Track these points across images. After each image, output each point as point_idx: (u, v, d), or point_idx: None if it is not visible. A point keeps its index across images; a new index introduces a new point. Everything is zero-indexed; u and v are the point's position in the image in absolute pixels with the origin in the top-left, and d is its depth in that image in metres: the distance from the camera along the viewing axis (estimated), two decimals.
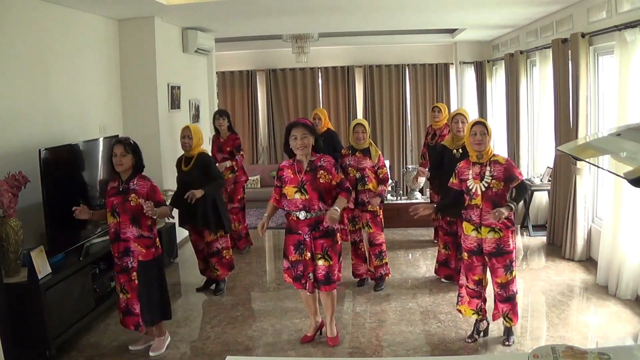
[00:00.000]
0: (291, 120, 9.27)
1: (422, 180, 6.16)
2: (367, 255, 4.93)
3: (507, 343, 3.75)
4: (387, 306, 4.56)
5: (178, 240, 6.06)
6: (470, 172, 3.63)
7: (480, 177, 3.58)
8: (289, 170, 3.65)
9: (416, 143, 9.51)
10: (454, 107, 9.32)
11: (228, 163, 5.87)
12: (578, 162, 5.12)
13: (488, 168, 3.59)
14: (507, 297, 3.68)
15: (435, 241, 6.21)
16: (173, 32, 6.41)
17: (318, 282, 3.72)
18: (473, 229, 3.64)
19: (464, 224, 3.71)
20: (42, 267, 3.65)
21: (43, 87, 4.48)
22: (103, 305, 4.35)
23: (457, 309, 3.92)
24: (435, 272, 5.08)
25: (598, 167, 1.77)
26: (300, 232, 3.65)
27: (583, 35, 5.02)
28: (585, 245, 5.40)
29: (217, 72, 8.33)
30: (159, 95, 5.82)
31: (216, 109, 8.26)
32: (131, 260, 3.69)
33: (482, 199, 3.56)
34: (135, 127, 5.80)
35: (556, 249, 5.77)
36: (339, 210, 3.53)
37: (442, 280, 4.99)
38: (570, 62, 5.27)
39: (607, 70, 5.14)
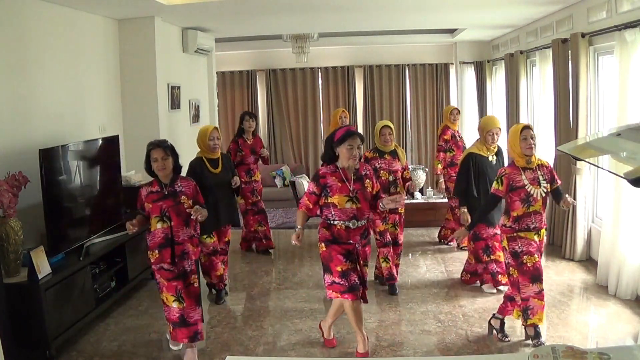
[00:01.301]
0: (291, 120, 9.39)
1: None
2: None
3: (506, 340, 3.78)
4: (387, 306, 4.56)
5: None
6: (524, 177, 3.55)
7: (537, 182, 3.54)
8: (334, 178, 3.48)
9: (416, 143, 9.51)
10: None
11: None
12: (578, 162, 5.11)
13: (539, 172, 3.58)
14: None
15: (451, 244, 6.15)
16: (173, 32, 6.41)
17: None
18: (535, 234, 3.58)
19: (526, 233, 3.56)
20: (42, 267, 3.65)
21: (43, 87, 4.47)
22: (103, 305, 4.34)
23: (530, 324, 3.64)
24: (467, 282, 4.88)
25: (598, 167, 1.77)
26: (351, 241, 3.49)
27: (583, 35, 5.02)
28: (585, 245, 5.40)
29: (217, 72, 8.33)
30: (159, 95, 5.81)
31: (216, 109, 8.28)
32: (189, 263, 3.59)
33: (541, 204, 3.54)
34: (135, 127, 5.79)
35: (556, 249, 5.77)
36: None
37: (483, 287, 4.78)
38: (570, 62, 5.27)
39: (607, 70, 5.14)
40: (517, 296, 3.69)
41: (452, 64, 9.32)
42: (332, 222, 3.49)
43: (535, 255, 3.58)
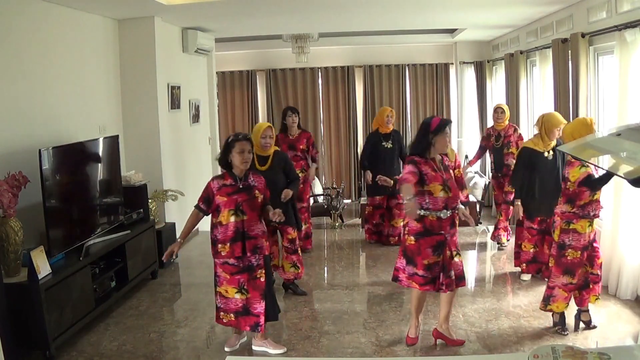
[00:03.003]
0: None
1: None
2: None
3: (592, 325, 3.93)
4: (387, 306, 4.56)
5: None
6: (592, 168, 3.69)
7: (598, 172, 3.68)
8: (427, 167, 3.54)
9: None
10: (454, 107, 9.34)
11: (314, 166, 5.96)
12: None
13: None
14: (601, 277, 3.90)
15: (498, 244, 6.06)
16: (173, 32, 6.41)
17: (456, 279, 3.67)
18: (589, 225, 3.72)
19: (582, 222, 3.71)
20: (42, 267, 3.65)
21: (43, 87, 4.48)
22: (103, 305, 4.35)
23: (549, 309, 3.91)
24: (526, 272, 4.96)
25: (598, 167, 1.77)
26: (442, 232, 3.56)
27: (583, 35, 5.02)
28: None
29: (217, 72, 8.33)
30: (159, 95, 5.81)
31: (216, 109, 8.27)
32: (257, 257, 3.62)
33: (600, 192, 3.71)
34: (135, 127, 5.80)
35: None
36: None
37: (535, 275, 4.94)
38: (570, 62, 5.27)
39: (607, 70, 5.14)
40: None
41: (452, 64, 9.32)
42: (423, 213, 3.53)
43: (579, 252, 3.74)
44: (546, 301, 3.91)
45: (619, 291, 4.44)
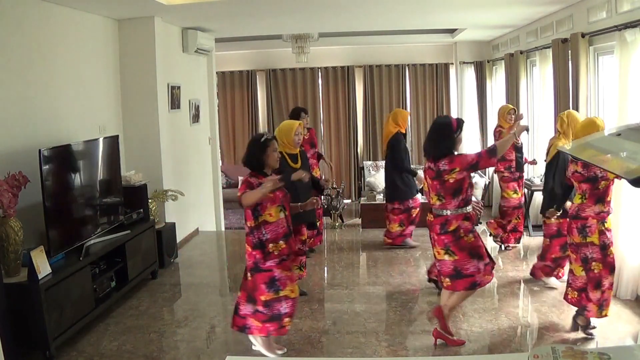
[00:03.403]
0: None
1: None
2: None
3: (591, 326, 3.88)
4: (387, 306, 4.56)
5: (178, 240, 6.06)
6: None
7: None
8: None
9: (416, 143, 9.48)
10: (454, 107, 9.34)
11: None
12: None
13: None
14: None
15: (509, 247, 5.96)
16: (173, 32, 6.41)
17: None
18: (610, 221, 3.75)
19: (609, 218, 3.73)
20: (42, 267, 3.65)
21: (43, 87, 4.48)
22: (103, 305, 4.35)
23: (604, 314, 3.76)
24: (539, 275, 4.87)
25: (598, 167, 1.77)
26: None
27: (583, 35, 5.02)
28: None
29: (217, 72, 8.33)
30: (159, 95, 5.81)
31: (216, 109, 8.27)
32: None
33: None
34: (135, 127, 5.80)
35: None
36: None
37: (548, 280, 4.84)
38: (570, 62, 5.27)
39: (607, 70, 5.14)
40: (594, 292, 3.73)
41: (452, 64, 9.32)
42: (467, 209, 3.61)
43: (613, 247, 3.75)
44: (602, 307, 3.75)
45: (619, 291, 4.44)
